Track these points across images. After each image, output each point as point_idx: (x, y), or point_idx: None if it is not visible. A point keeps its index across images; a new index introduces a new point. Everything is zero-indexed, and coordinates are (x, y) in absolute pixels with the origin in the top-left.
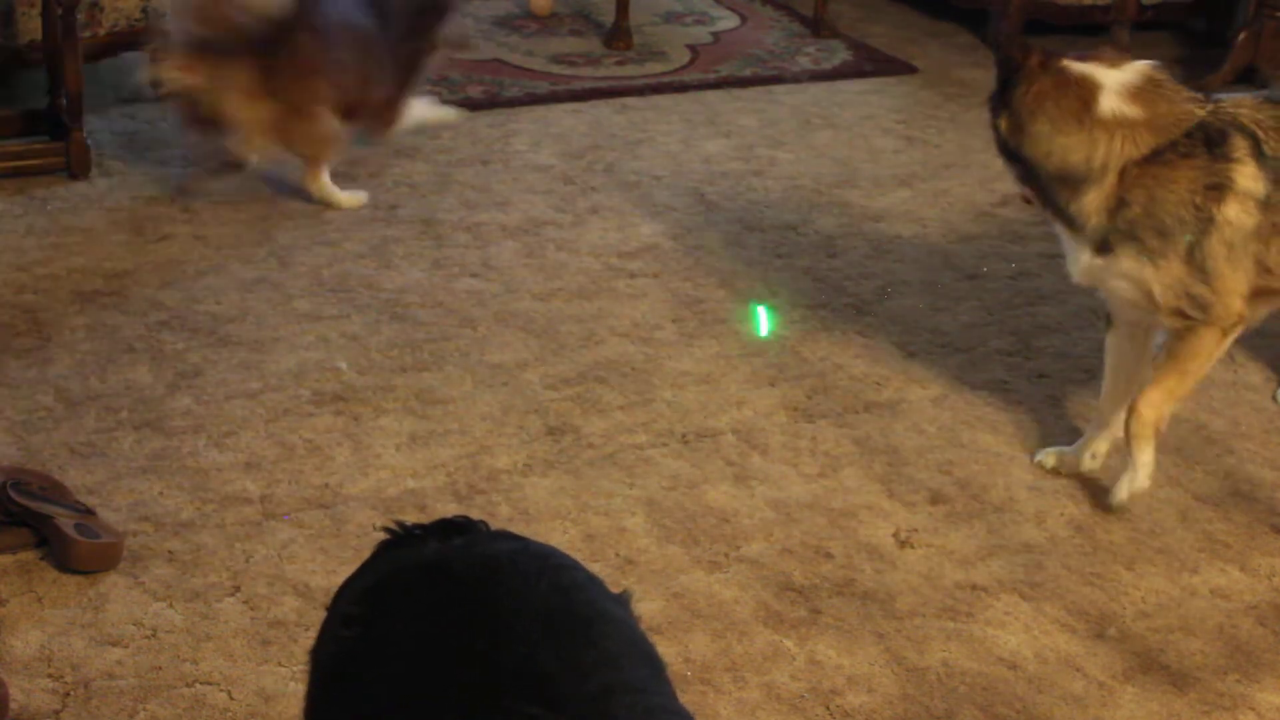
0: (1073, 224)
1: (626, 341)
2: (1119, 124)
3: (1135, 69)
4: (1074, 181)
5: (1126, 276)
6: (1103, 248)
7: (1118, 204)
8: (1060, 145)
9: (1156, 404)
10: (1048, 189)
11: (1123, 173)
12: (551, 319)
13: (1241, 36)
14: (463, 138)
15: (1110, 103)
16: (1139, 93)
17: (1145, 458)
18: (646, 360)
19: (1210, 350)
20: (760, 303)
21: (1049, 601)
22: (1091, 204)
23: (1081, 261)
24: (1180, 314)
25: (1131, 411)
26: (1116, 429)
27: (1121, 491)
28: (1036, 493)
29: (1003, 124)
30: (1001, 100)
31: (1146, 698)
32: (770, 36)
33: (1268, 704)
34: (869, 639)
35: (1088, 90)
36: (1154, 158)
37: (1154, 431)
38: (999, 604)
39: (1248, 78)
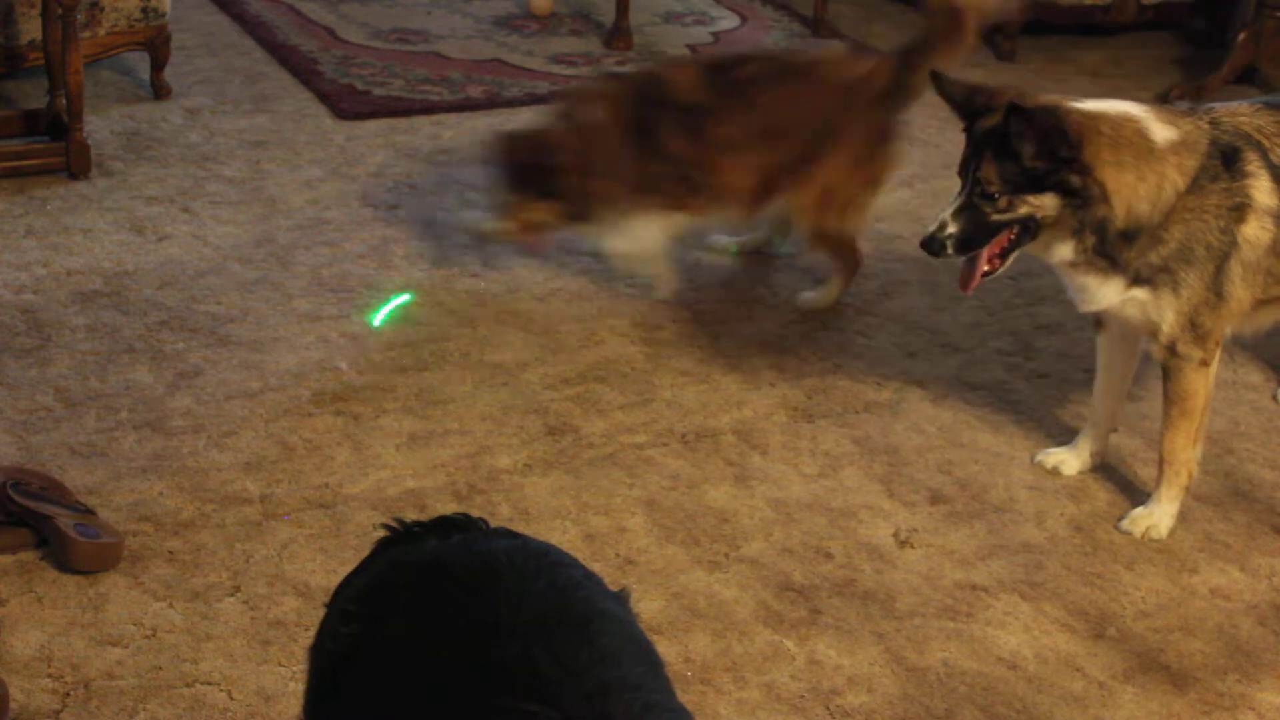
0: (1109, 271)
1: (626, 341)
2: (1172, 151)
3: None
4: (1137, 234)
5: (1144, 308)
6: (1131, 284)
7: (1154, 242)
8: (1140, 194)
9: (1179, 449)
10: (1109, 245)
11: (1169, 211)
12: (551, 319)
13: (1241, 37)
14: (463, 138)
15: (1159, 131)
16: (1161, 115)
17: (1171, 506)
18: (646, 360)
19: (1200, 386)
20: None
21: (1049, 601)
22: (1136, 250)
23: (1106, 300)
24: (1172, 349)
25: (1161, 459)
26: (1111, 426)
27: (1137, 526)
28: (1036, 493)
29: (1094, 190)
30: (1070, 170)
31: (1146, 698)
32: (770, 36)
33: (1268, 704)
34: (869, 639)
35: (1135, 125)
36: (1193, 186)
37: (1187, 476)
38: (999, 604)
39: (1248, 78)
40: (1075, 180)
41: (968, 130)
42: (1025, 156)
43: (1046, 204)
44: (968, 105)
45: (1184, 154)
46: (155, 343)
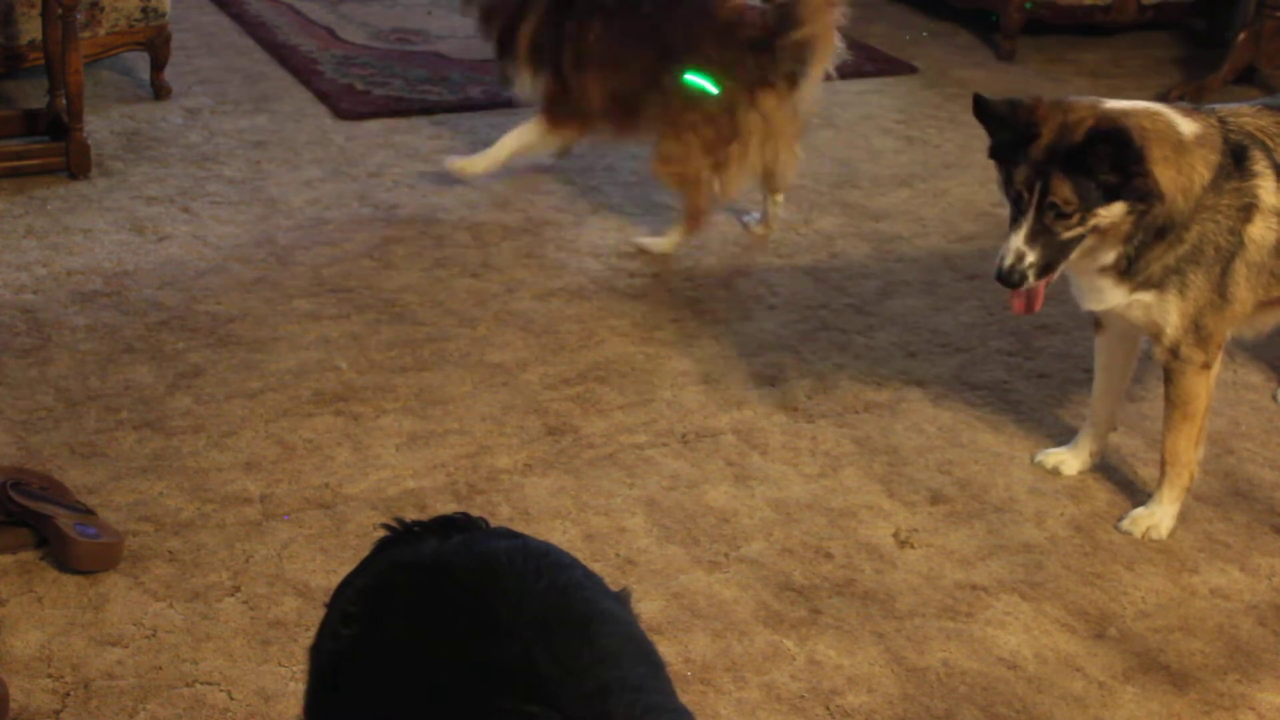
0: (1125, 272)
1: (626, 341)
2: (1197, 144)
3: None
4: (1167, 231)
5: (1149, 309)
6: (1139, 286)
7: (1176, 241)
8: (1180, 188)
9: (1182, 450)
10: (1138, 244)
11: (1195, 207)
12: (551, 319)
13: (1241, 36)
14: (462, 137)
15: (1185, 126)
16: (1180, 112)
17: (1172, 507)
18: (646, 360)
19: (1202, 388)
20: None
21: (1049, 601)
22: (1159, 251)
23: (1112, 300)
24: (1175, 352)
25: (1163, 460)
26: (1111, 426)
27: (1137, 526)
28: (1036, 493)
29: (1154, 190)
30: (1142, 177)
31: (1146, 698)
32: None
33: (1268, 704)
34: (869, 639)
35: (1167, 122)
36: (1213, 183)
37: (1189, 477)
38: (999, 604)
39: (1248, 78)
40: (1141, 185)
41: (1016, 155)
42: (1101, 174)
43: (1115, 212)
44: (1011, 130)
45: (1207, 148)
46: (155, 343)
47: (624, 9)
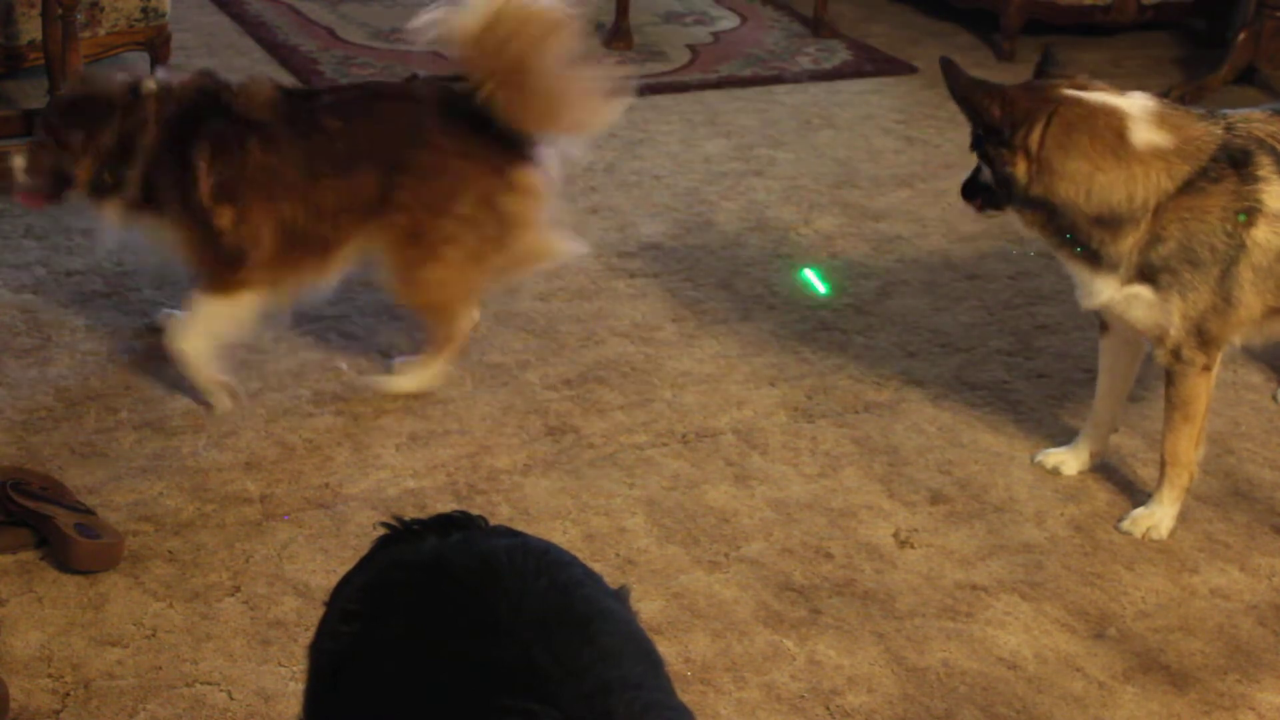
0: (1100, 263)
1: (626, 341)
2: (1154, 155)
3: (1142, 96)
4: (1114, 223)
5: (1150, 308)
6: (1131, 281)
7: (1151, 239)
8: (1100, 184)
9: (1182, 451)
10: (1082, 232)
11: (1158, 209)
12: (551, 319)
13: (1241, 36)
14: None
15: (1142, 133)
16: (1163, 118)
17: (1172, 507)
18: (646, 360)
19: (1203, 390)
20: (809, 268)
21: (1049, 601)
22: (1128, 243)
23: (1103, 295)
24: (1177, 354)
25: (1163, 461)
26: (1112, 427)
27: (1137, 526)
28: (1036, 493)
29: (1019, 170)
30: (1002, 145)
31: (1146, 698)
32: (770, 36)
33: (1268, 704)
34: (869, 639)
35: (1116, 120)
36: (1188, 188)
37: (1189, 477)
38: (999, 604)
39: (1248, 78)
40: (996, 155)
41: None
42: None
43: (985, 170)
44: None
45: (1173, 156)
46: (155, 343)
47: (298, 128)
